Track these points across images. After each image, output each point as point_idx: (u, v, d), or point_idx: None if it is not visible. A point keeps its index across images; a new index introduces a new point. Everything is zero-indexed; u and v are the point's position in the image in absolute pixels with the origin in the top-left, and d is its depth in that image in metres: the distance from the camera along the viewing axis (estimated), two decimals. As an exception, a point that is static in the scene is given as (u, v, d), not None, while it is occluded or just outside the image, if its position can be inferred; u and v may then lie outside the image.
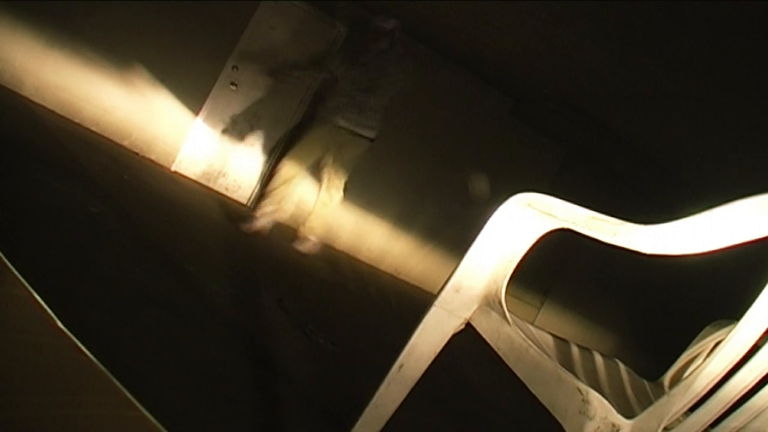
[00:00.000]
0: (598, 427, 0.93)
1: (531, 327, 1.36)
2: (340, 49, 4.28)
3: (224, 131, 5.18)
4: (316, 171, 4.31)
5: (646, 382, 1.42)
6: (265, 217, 4.09)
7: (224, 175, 5.23)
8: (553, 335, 1.41)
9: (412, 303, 4.75)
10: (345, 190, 4.22)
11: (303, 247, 4.19)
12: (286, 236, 4.40)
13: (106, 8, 4.71)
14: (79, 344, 1.31)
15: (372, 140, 4.10)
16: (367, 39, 4.11)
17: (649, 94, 4.07)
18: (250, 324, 2.40)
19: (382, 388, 1.33)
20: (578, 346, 1.42)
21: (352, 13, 5.22)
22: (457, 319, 1.32)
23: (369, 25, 4.15)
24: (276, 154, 5.32)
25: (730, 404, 0.97)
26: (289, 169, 4.12)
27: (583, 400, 0.96)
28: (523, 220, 1.26)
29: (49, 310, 1.39)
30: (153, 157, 5.02)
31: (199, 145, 5.13)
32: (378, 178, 5.54)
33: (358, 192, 5.46)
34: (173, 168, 5.10)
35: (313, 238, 4.21)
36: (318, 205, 4.20)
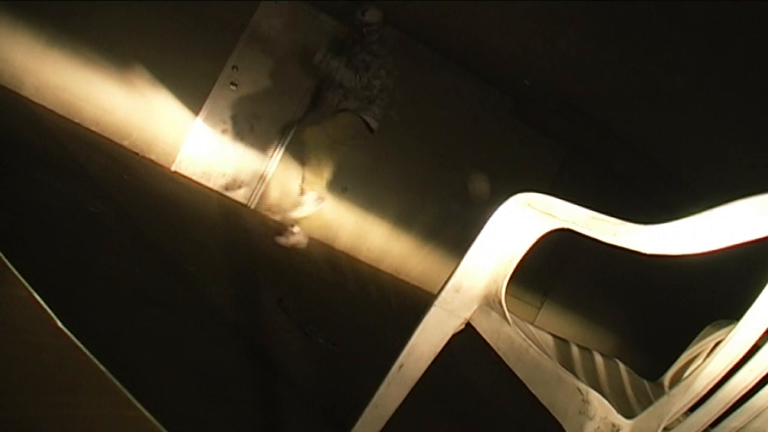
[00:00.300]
0: (598, 427, 0.93)
1: (531, 327, 1.36)
2: (337, 47, 4.24)
3: (224, 131, 5.18)
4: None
5: (646, 382, 1.42)
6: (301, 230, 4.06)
7: (224, 175, 5.23)
8: (553, 335, 1.41)
9: (412, 303, 4.75)
10: (329, 179, 4.08)
11: (287, 242, 4.09)
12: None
13: (105, 8, 4.71)
14: (79, 344, 1.31)
15: (359, 117, 3.96)
16: (355, 34, 4.11)
17: (649, 94, 4.07)
18: (250, 324, 2.40)
19: (382, 388, 1.33)
20: (578, 346, 1.42)
21: (352, 13, 5.22)
22: (457, 319, 1.32)
23: (357, 20, 4.14)
24: (277, 154, 5.33)
25: (730, 404, 0.97)
26: (309, 173, 4.12)
27: (583, 400, 0.96)
28: (523, 220, 1.26)
29: (49, 310, 1.39)
30: (153, 157, 5.03)
31: (199, 145, 5.13)
32: (378, 178, 5.54)
33: (358, 192, 5.46)
34: (173, 168, 5.10)
35: (297, 230, 4.12)
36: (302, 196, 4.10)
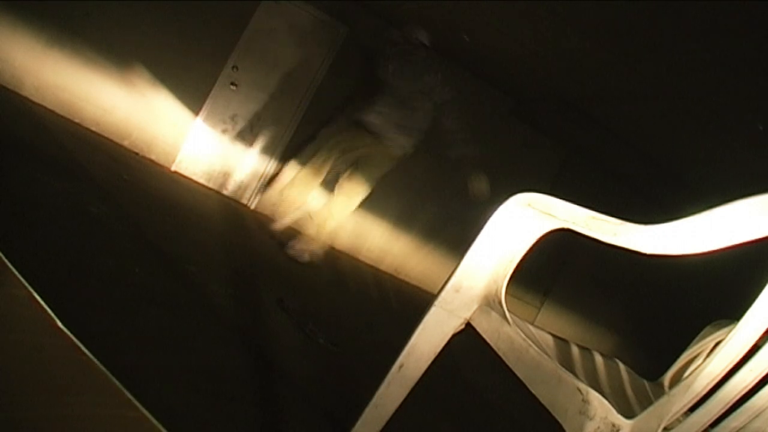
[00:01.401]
0: (598, 427, 0.93)
1: (531, 327, 1.36)
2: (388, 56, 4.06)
3: (224, 131, 5.18)
4: (335, 176, 4.17)
5: (646, 382, 1.42)
6: (285, 221, 4.05)
7: (224, 175, 5.23)
8: (553, 335, 1.41)
9: (412, 303, 4.75)
10: (363, 201, 4.13)
11: (300, 254, 3.99)
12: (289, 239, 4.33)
13: (105, 8, 4.71)
14: (79, 344, 1.31)
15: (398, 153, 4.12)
16: (402, 52, 4.05)
17: (650, 94, 4.07)
18: (250, 324, 2.40)
19: (382, 388, 1.33)
20: (578, 346, 1.42)
21: (352, 13, 5.22)
22: (457, 319, 1.32)
23: (403, 39, 4.09)
24: (278, 154, 5.32)
25: (730, 404, 0.97)
26: (308, 171, 4.07)
27: (583, 400, 0.96)
28: (523, 220, 1.26)
29: (49, 310, 1.39)
30: (153, 157, 5.02)
31: (199, 145, 5.13)
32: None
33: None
34: (173, 168, 5.10)
35: (315, 246, 4.06)
36: (329, 213, 4.09)
